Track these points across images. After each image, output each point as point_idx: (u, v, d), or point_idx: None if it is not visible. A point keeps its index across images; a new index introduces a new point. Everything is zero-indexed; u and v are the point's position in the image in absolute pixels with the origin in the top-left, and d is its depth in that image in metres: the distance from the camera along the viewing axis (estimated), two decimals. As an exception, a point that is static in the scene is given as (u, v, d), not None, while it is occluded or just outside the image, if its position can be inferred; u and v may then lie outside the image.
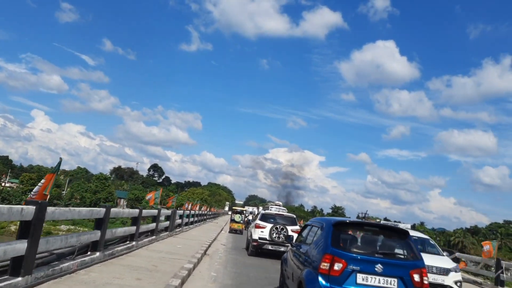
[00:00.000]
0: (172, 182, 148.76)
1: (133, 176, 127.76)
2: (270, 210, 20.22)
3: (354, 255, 5.37)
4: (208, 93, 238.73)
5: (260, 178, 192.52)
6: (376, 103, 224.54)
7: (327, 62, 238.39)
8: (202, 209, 34.26)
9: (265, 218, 15.60)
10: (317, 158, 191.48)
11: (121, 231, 10.04)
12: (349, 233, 5.93)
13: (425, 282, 5.38)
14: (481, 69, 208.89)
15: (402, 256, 5.67)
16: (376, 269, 5.25)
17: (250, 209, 53.62)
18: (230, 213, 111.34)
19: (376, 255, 5.51)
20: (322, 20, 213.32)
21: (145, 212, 12.25)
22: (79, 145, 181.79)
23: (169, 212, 16.67)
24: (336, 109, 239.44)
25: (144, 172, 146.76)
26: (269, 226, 14.75)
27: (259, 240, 14.61)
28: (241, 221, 30.56)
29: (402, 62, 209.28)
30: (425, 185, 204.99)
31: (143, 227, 12.25)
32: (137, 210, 11.15)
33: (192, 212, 25.51)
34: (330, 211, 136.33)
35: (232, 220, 30.74)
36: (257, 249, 14.78)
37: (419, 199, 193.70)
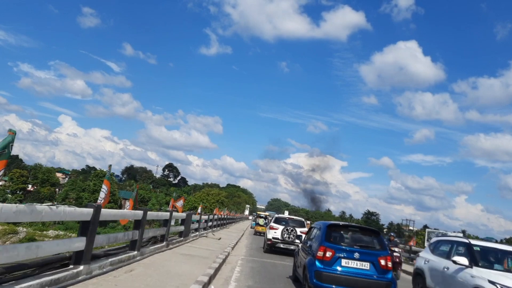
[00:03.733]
0: (190, 184, 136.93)
1: (142, 175, 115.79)
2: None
3: (340, 246, 7.77)
4: (228, 97, 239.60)
5: (281, 182, 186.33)
6: (399, 106, 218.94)
7: (349, 66, 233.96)
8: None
9: (278, 221, 17.98)
10: (339, 163, 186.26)
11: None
12: (338, 231, 8.38)
13: (389, 265, 7.61)
14: (509, 70, 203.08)
15: (374, 248, 7.93)
16: (354, 256, 7.55)
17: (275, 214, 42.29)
18: (250, 218, 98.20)
19: (355, 246, 7.80)
20: (344, 20, 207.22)
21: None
22: (104, 150, 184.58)
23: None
24: (358, 113, 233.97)
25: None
26: (281, 227, 16.92)
27: (272, 240, 16.79)
28: (265, 225, 31.85)
29: (426, 63, 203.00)
30: (451, 191, 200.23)
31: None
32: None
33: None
34: (360, 216, 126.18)
35: (257, 224, 33.94)
36: (271, 247, 16.81)
37: (444, 206, 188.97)
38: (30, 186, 78.58)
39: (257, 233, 31.79)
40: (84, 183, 74.02)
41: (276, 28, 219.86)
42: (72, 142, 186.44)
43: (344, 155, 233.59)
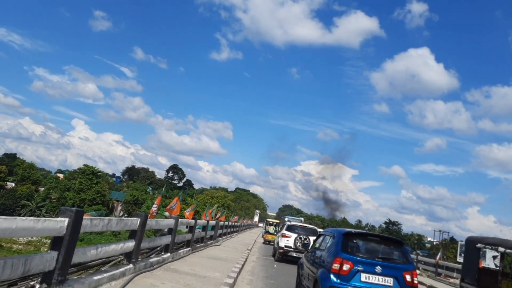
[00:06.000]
0: (197, 187, 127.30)
1: (140, 176, 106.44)
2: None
3: (359, 258, 6.63)
4: (238, 102, 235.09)
5: (291, 189, 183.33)
6: (410, 115, 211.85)
7: (360, 74, 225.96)
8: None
9: (290, 228, 17.33)
10: (349, 172, 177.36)
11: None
12: (356, 241, 7.17)
13: (415, 281, 6.68)
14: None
15: (398, 260, 6.90)
16: (376, 270, 6.51)
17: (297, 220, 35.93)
18: (260, 225, 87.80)
19: (376, 259, 6.75)
20: (357, 26, 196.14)
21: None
22: (115, 154, 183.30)
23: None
24: (369, 122, 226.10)
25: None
26: (294, 236, 16.37)
27: (285, 248, 16.29)
28: (275, 232, 29.45)
29: (438, 70, 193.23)
30: (463, 202, 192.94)
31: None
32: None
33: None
34: (377, 225, 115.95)
35: (267, 232, 31.66)
36: (282, 256, 16.31)
37: (456, 216, 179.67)
38: (13, 184, 69.75)
39: (266, 242, 29.91)
40: (70, 181, 64.56)
41: (287, 33, 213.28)
42: (84, 146, 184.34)
43: (355, 163, 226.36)
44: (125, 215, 68.81)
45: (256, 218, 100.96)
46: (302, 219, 41.57)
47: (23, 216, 4.59)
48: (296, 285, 9.37)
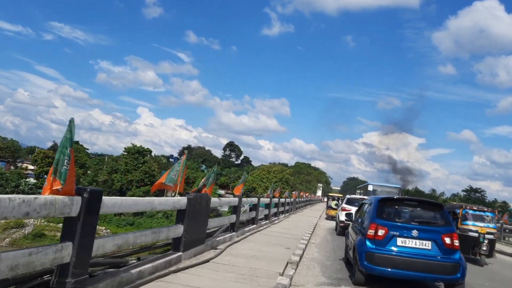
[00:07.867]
0: (256, 165, 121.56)
1: (192, 153, 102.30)
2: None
3: (394, 223, 6.69)
4: (293, 77, 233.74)
5: (354, 163, 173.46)
6: (479, 75, 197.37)
7: (420, 36, 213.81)
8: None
9: (350, 202, 17.86)
10: (415, 140, 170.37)
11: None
12: (393, 206, 7.22)
13: (456, 244, 6.46)
14: None
15: (436, 223, 6.81)
16: (412, 233, 6.46)
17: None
18: (324, 199, 79.76)
19: (413, 222, 6.72)
20: None
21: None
22: (179, 138, 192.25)
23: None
24: (434, 86, 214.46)
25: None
26: (354, 209, 15.83)
27: (345, 222, 15.82)
28: (337, 207, 27.93)
29: (510, 22, 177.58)
30: None
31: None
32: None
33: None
34: (449, 194, 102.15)
35: (329, 207, 31.08)
36: (343, 229, 15.98)
37: None
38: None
39: (329, 218, 28.45)
40: (116, 163, 60.93)
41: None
42: (150, 132, 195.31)
43: (421, 131, 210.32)
44: (177, 195, 64.37)
45: (319, 193, 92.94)
46: (400, 186, 31.54)
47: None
48: (345, 253, 9.54)
